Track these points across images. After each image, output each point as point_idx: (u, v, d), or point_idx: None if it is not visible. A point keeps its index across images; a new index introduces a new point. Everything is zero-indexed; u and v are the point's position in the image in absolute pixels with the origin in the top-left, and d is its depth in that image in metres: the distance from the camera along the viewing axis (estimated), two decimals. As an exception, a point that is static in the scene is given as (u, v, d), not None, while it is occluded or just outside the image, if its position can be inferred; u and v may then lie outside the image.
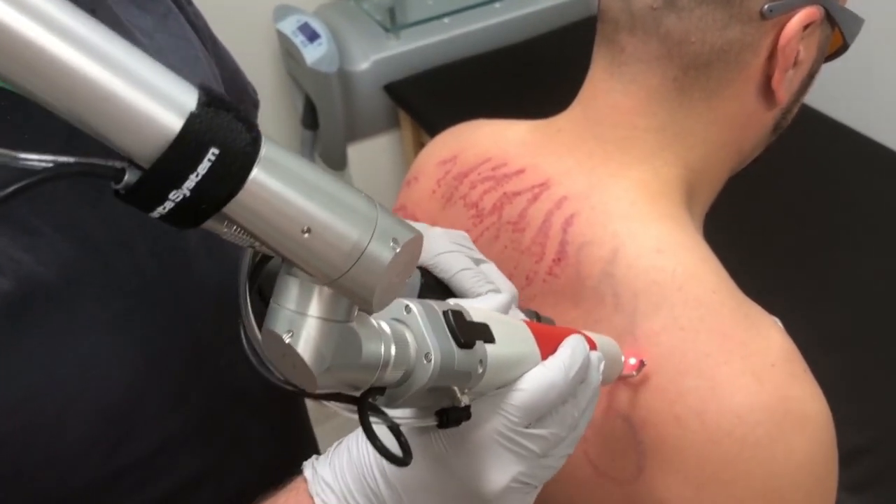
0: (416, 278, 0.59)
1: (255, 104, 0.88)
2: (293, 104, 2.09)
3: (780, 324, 0.74)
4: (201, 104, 0.32)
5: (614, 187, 0.64)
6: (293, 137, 2.09)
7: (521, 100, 1.57)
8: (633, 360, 0.58)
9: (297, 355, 0.37)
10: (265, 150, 0.34)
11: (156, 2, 0.65)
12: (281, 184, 0.34)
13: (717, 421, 0.56)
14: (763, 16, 0.59)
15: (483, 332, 0.45)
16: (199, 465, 0.61)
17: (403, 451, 0.42)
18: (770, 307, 0.80)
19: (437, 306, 0.44)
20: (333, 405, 0.42)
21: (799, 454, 0.56)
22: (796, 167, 1.41)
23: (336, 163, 1.99)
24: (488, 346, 0.45)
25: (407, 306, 0.43)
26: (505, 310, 0.52)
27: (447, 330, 0.43)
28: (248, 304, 0.39)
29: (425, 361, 0.42)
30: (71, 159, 0.31)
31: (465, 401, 0.44)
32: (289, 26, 1.89)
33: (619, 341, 0.59)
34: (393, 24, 1.89)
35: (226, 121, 0.33)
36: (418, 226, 0.65)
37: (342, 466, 0.49)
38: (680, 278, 0.59)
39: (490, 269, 0.60)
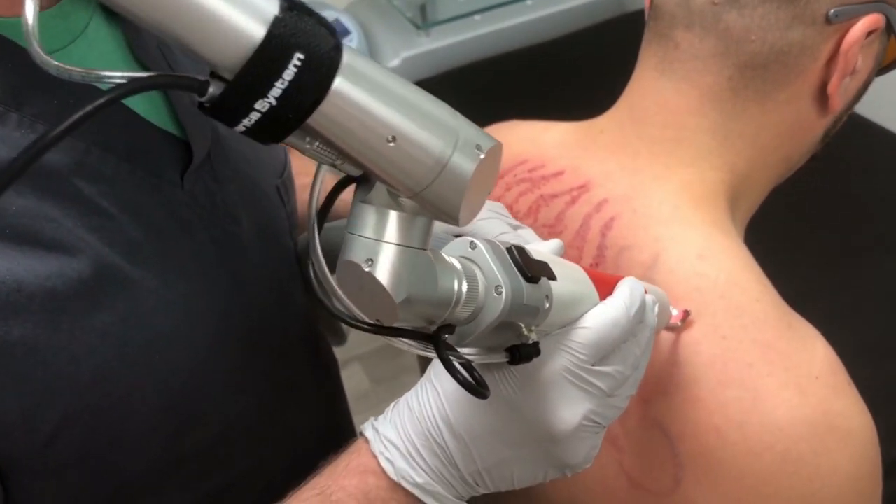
0: None
1: None
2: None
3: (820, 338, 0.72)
4: (284, 9, 0.32)
5: (658, 190, 0.62)
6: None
7: (553, 98, 1.55)
8: (675, 311, 0.57)
9: (377, 283, 0.37)
10: (347, 57, 0.33)
11: None
12: (364, 92, 0.34)
13: (759, 434, 0.54)
14: (828, 20, 0.58)
15: (545, 270, 0.45)
16: (253, 459, 0.61)
17: (479, 385, 0.42)
18: (806, 315, 0.78)
19: (500, 244, 0.44)
20: (405, 343, 0.41)
21: (842, 470, 0.55)
22: (833, 170, 1.38)
23: (365, 160, 1.99)
24: (552, 283, 0.45)
25: (472, 242, 0.43)
26: (558, 254, 0.52)
27: (513, 265, 0.43)
28: (317, 238, 0.38)
29: (496, 294, 0.42)
30: (153, 73, 0.31)
31: (533, 337, 0.44)
32: (320, 22, 1.89)
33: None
34: (423, 20, 1.88)
35: (309, 25, 0.32)
36: None
37: (404, 423, 0.48)
38: (722, 286, 0.58)
39: (528, 233, 0.60)
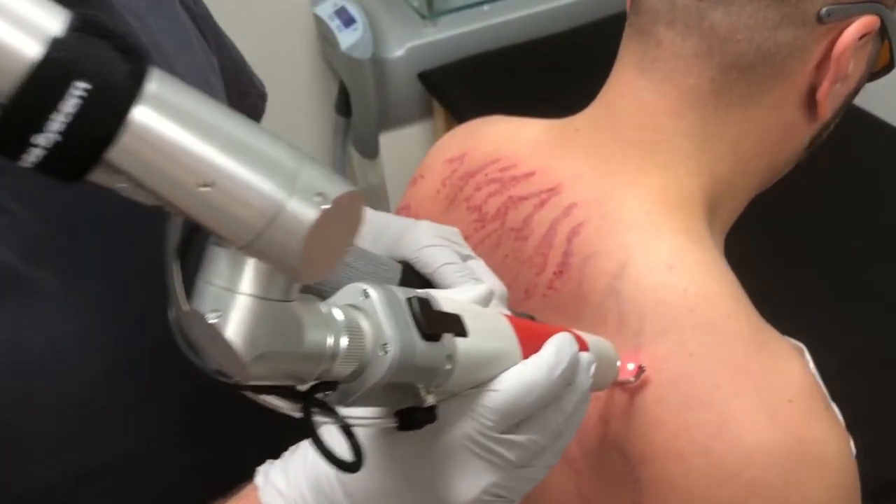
0: (395, 273, 0.55)
1: (262, 96, 0.85)
2: (328, 90, 2.06)
3: (806, 352, 0.68)
4: (70, 28, 0.28)
5: (630, 195, 0.59)
6: (326, 124, 2.06)
7: (561, 92, 1.51)
8: (631, 366, 0.53)
9: (223, 339, 0.33)
10: (154, 85, 0.30)
11: None
12: (173, 125, 0.30)
13: (724, 460, 0.51)
14: (820, 19, 0.54)
15: (454, 324, 0.41)
16: (183, 470, 0.58)
17: (355, 454, 0.38)
18: (797, 326, 0.74)
19: (401, 293, 0.40)
20: (274, 401, 0.37)
21: (814, 501, 0.51)
22: (828, 168, 1.30)
23: (368, 151, 1.96)
24: (460, 340, 0.41)
25: (364, 291, 0.39)
26: (485, 302, 0.48)
27: (410, 319, 0.39)
28: (179, 278, 0.34)
29: (381, 353, 0.37)
30: None
31: (430, 400, 0.40)
32: (325, 10, 1.86)
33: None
34: (430, 10, 1.84)
35: (100, 48, 0.28)
36: (403, 220, 0.61)
37: (297, 473, 0.45)
38: (692, 299, 0.54)
39: (478, 265, 0.56)
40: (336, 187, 0.33)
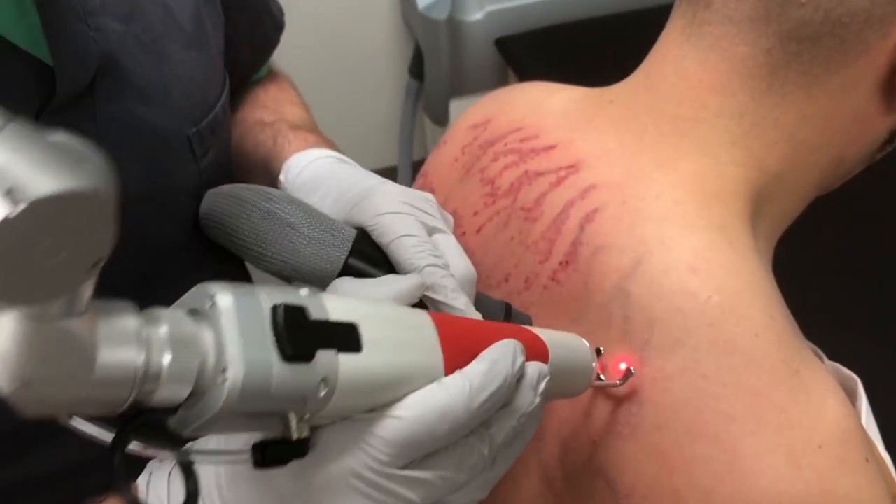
0: (347, 241, 0.48)
1: (278, 27, 0.79)
2: (405, 51, 2.01)
3: (860, 386, 0.58)
4: None
5: (659, 180, 0.50)
6: (399, 85, 2.00)
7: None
8: (622, 366, 0.45)
9: None
10: None
11: None
12: None
13: None
14: None
15: (341, 337, 0.33)
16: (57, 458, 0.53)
17: (188, 495, 0.31)
18: (865, 353, 0.64)
19: (267, 300, 0.32)
20: (85, 427, 0.30)
21: None
22: None
23: (438, 117, 1.89)
24: (348, 358, 0.33)
25: (212, 296, 0.31)
26: (410, 298, 0.40)
27: (271, 334, 0.31)
28: None
29: (219, 380, 0.30)
30: None
31: (302, 431, 0.32)
32: (407, -33, 1.79)
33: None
34: (515, -27, 1.75)
35: None
36: (373, 179, 0.53)
37: (178, 484, 0.39)
38: (714, 310, 0.45)
39: (445, 240, 0.49)
40: (42, 184, 0.24)
